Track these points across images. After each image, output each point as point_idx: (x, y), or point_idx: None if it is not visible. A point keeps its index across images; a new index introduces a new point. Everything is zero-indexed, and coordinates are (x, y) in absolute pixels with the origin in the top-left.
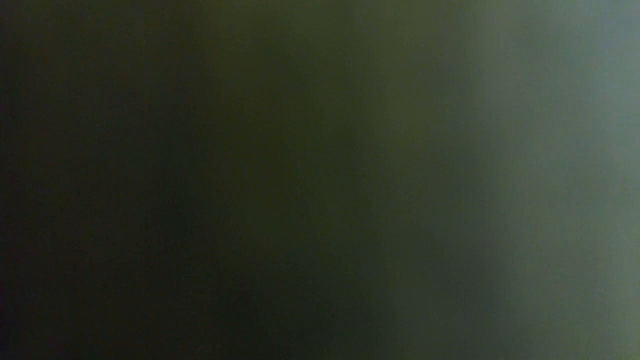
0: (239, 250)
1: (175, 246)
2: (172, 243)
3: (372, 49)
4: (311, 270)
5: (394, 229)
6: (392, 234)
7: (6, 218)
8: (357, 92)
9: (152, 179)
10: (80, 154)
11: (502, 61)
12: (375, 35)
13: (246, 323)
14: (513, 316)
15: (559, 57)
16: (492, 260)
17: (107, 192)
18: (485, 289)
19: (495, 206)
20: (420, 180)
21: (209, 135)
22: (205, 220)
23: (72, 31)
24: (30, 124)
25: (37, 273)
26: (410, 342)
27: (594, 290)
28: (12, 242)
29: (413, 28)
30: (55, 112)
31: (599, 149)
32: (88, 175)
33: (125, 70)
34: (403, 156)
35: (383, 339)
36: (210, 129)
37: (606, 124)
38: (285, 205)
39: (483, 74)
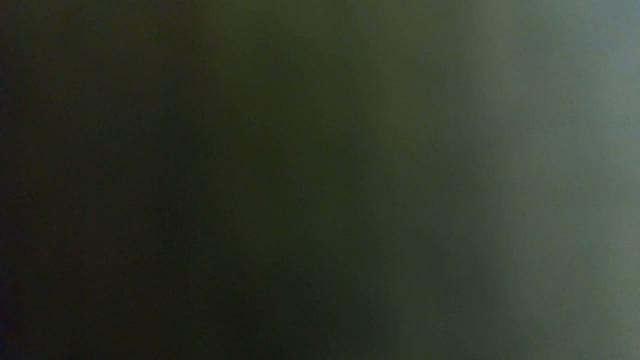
0: (239, 251)
1: (175, 247)
2: (172, 244)
3: (372, 51)
4: (311, 270)
5: (394, 229)
6: (392, 234)
7: (6, 218)
8: (356, 93)
9: (152, 180)
10: (80, 154)
11: (501, 62)
12: (375, 37)
13: (245, 323)
14: (513, 316)
15: (559, 57)
16: (491, 261)
17: (106, 193)
18: (484, 289)
19: (494, 206)
20: (419, 180)
21: (209, 137)
22: (205, 221)
23: (72, 32)
24: (30, 124)
25: (37, 273)
26: (409, 342)
27: (594, 290)
28: (12, 242)
29: (413, 29)
30: (55, 113)
31: (599, 149)
32: (88, 176)
33: (125, 71)
34: (403, 157)
35: (382, 339)
36: (210, 131)
37: (606, 124)
38: (284, 206)
39: (483, 75)
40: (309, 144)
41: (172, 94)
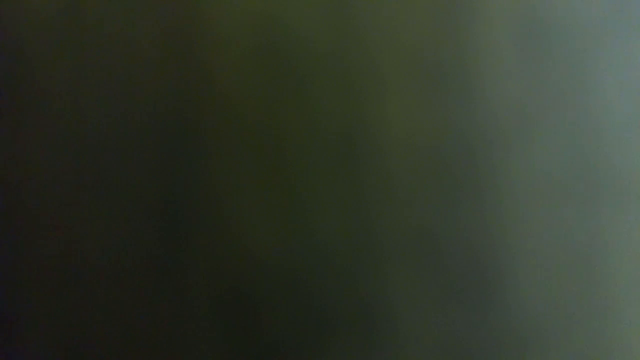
0: (239, 250)
1: (175, 246)
2: (172, 243)
3: (372, 50)
4: (310, 270)
5: (394, 229)
6: (392, 234)
7: (6, 218)
8: (356, 93)
9: (152, 180)
10: (80, 154)
11: (501, 61)
12: (375, 37)
13: (245, 323)
14: (512, 316)
15: (559, 57)
16: (491, 261)
17: (106, 192)
18: (484, 289)
19: (494, 206)
20: (419, 180)
21: (209, 136)
22: (204, 220)
23: (72, 31)
24: (30, 124)
25: (37, 273)
26: (409, 341)
27: (594, 291)
28: (12, 242)
29: (412, 29)
30: (55, 112)
31: (599, 148)
32: (88, 175)
33: (125, 71)
34: (402, 156)
35: (382, 339)
36: (209, 130)
37: (606, 124)
38: (284, 206)
39: (483, 75)
40: (309, 143)
41: (172, 94)
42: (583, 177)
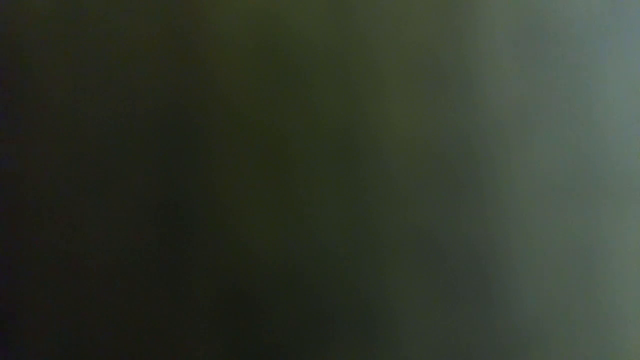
0: (239, 250)
1: (175, 246)
2: (172, 243)
3: (372, 49)
4: (311, 269)
5: (394, 228)
6: (392, 233)
7: (6, 218)
8: (356, 92)
9: (152, 179)
10: (80, 154)
11: (502, 61)
12: (375, 36)
13: (246, 323)
14: (513, 316)
15: (558, 57)
16: (491, 260)
17: (106, 192)
18: (484, 289)
19: (494, 206)
20: (419, 180)
21: (209, 136)
22: (205, 220)
23: (72, 31)
24: (30, 124)
25: (37, 273)
26: (410, 341)
27: (594, 291)
28: (12, 242)
29: (413, 28)
30: (55, 112)
31: (599, 148)
32: (88, 175)
33: (125, 70)
34: (403, 156)
35: (383, 339)
36: (210, 129)
37: (606, 124)
38: (285, 205)
39: (483, 74)
40: (309, 143)
41: (172, 93)
42: (583, 176)
